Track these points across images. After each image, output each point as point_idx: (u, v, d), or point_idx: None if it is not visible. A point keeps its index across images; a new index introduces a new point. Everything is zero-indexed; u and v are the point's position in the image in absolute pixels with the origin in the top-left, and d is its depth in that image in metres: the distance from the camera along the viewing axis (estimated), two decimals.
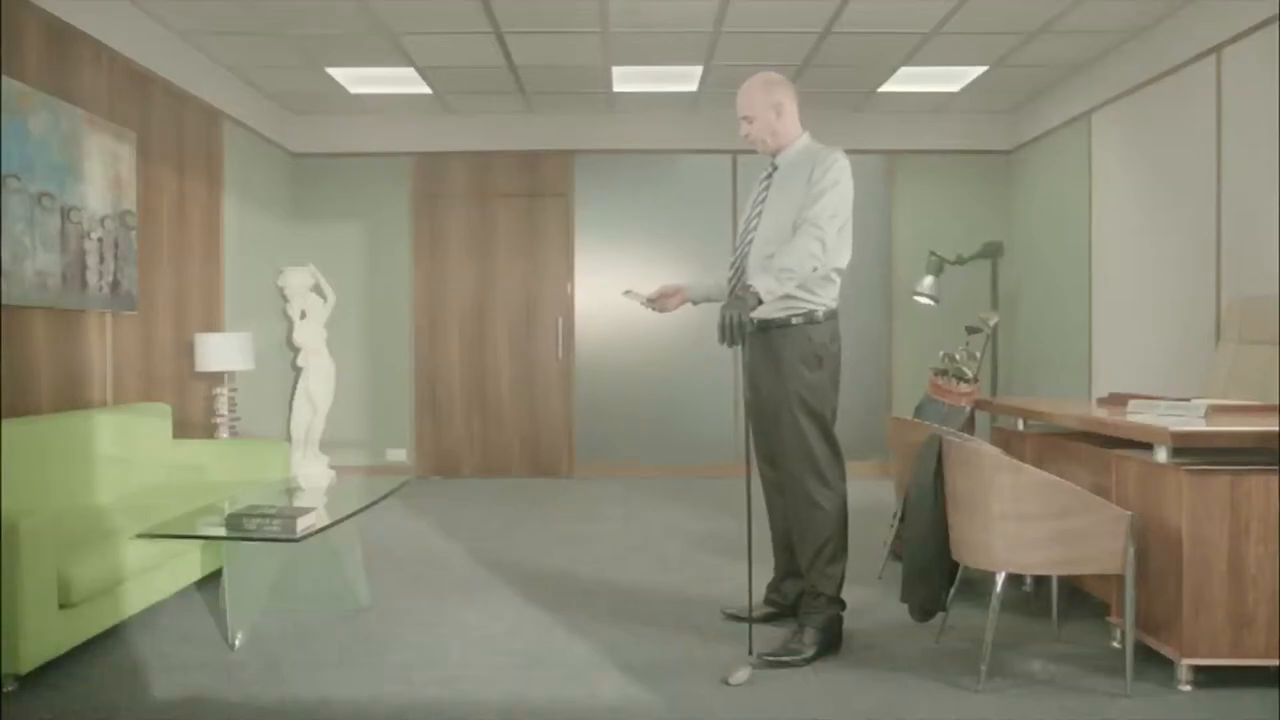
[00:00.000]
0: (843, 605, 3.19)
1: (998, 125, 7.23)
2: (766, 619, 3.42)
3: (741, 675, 2.89)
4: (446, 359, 7.32)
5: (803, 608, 3.19)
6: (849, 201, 3.11)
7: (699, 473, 7.15)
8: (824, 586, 3.13)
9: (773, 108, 3.24)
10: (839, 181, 3.07)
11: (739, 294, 2.94)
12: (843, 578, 3.18)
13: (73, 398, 4.30)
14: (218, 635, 3.36)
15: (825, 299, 3.13)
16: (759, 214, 3.26)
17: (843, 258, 3.13)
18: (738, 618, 3.42)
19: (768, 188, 3.28)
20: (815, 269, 3.00)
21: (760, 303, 2.91)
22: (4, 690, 2.81)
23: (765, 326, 3.11)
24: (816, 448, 3.11)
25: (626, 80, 6.37)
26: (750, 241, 3.24)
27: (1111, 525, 2.79)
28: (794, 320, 3.10)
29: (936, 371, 4.64)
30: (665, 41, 5.59)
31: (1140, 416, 3.10)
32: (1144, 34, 5.30)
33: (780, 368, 3.12)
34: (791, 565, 3.38)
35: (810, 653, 3.04)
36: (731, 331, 2.84)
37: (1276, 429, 2.72)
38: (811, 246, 2.98)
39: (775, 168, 3.29)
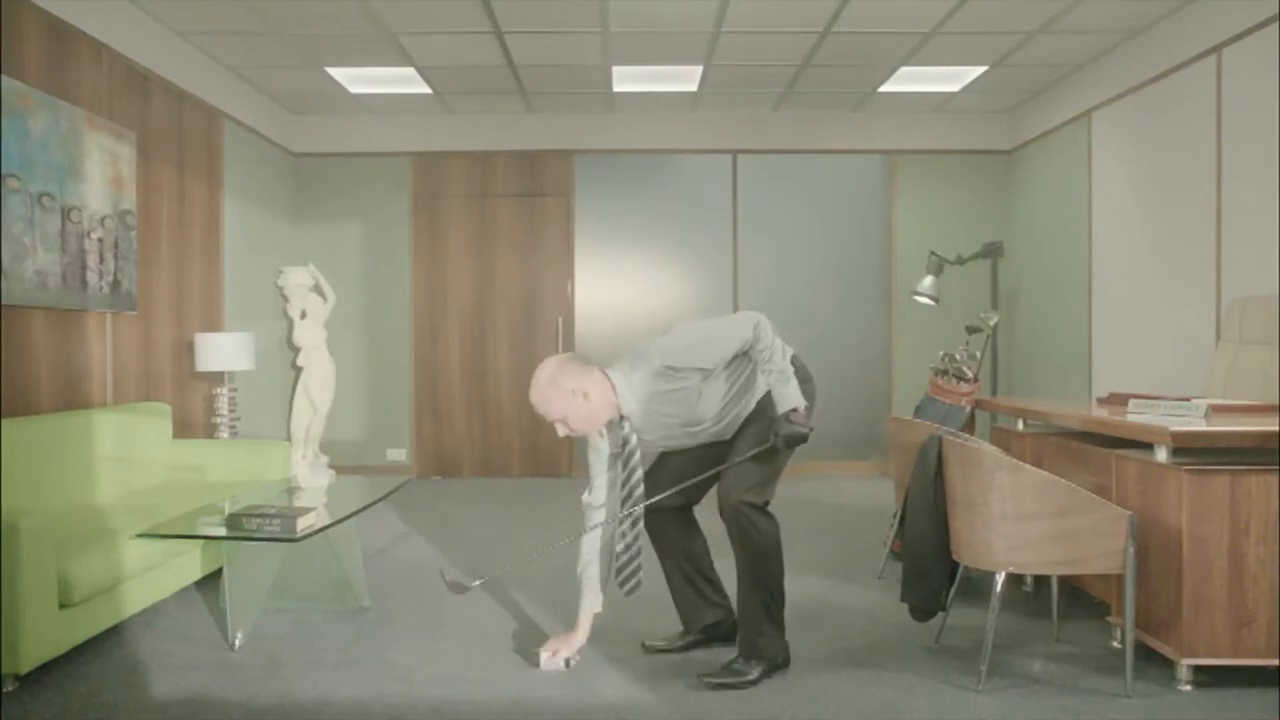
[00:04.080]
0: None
1: (998, 125, 7.23)
2: (688, 648, 3.24)
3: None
4: (446, 359, 7.32)
5: (745, 638, 2.95)
6: (687, 329, 2.96)
7: None
8: (768, 628, 2.94)
9: (577, 395, 2.88)
10: (678, 347, 2.88)
11: (792, 420, 2.85)
12: (783, 606, 3.01)
13: (73, 398, 4.30)
14: (218, 635, 3.36)
15: (755, 391, 3.00)
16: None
17: (745, 319, 2.89)
18: (659, 650, 3.24)
19: (635, 432, 2.98)
20: (765, 344, 2.86)
21: (806, 405, 2.90)
22: (4, 690, 2.81)
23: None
24: (759, 468, 2.93)
25: (626, 80, 6.37)
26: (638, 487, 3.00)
27: (1111, 525, 2.80)
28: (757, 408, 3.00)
29: (936, 371, 4.64)
30: (665, 41, 5.59)
31: (1140, 416, 3.09)
32: (1144, 34, 5.31)
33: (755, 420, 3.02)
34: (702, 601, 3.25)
35: (755, 674, 2.88)
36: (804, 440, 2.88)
37: (1276, 429, 2.72)
38: (758, 354, 2.88)
39: (623, 422, 2.97)
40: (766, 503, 2.96)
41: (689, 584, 3.26)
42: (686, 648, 3.23)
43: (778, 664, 2.97)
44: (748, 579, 2.97)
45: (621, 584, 3.04)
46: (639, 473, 2.96)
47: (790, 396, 2.88)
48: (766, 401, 2.98)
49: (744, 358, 2.96)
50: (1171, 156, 5.06)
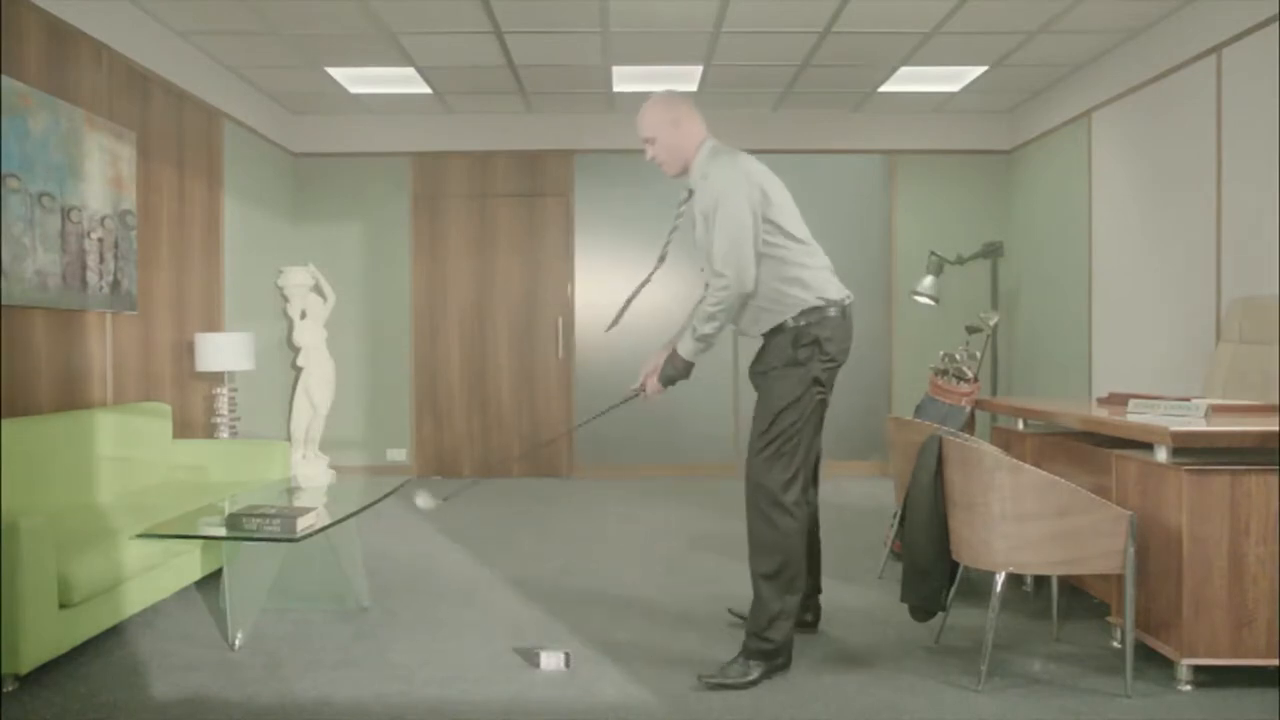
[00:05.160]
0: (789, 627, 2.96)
1: (998, 125, 7.23)
2: None
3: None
4: (446, 359, 7.32)
5: (747, 636, 2.94)
6: (738, 208, 2.91)
7: (699, 473, 7.15)
8: (770, 629, 2.90)
9: (671, 122, 3.08)
10: (719, 202, 2.92)
11: (670, 362, 3.10)
12: (794, 607, 2.95)
13: (73, 398, 4.30)
14: (218, 635, 3.36)
15: (791, 304, 2.95)
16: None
17: (749, 275, 2.91)
18: (743, 617, 3.38)
19: (681, 216, 3.19)
20: (721, 304, 2.92)
21: (689, 363, 3.06)
22: (4, 690, 2.81)
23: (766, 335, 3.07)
24: (775, 457, 2.93)
25: (626, 80, 6.37)
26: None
27: (1111, 525, 2.80)
28: (775, 329, 3.00)
29: (936, 371, 4.64)
30: (665, 41, 5.59)
31: (1140, 416, 3.10)
32: (1144, 34, 5.31)
33: (765, 372, 3.03)
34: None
35: (755, 674, 2.87)
36: (665, 384, 3.14)
37: (1276, 429, 2.72)
38: (711, 296, 2.95)
39: (690, 192, 3.13)
40: (789, 494, 2.89)
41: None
42: None
43: (779, 665, 2.96)
44: (756, 571, 2.95)
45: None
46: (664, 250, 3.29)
47: (683, 347, 3.05)
48: (802, 332, 2.92)
49: (771, 244, 2.96)
50: (1171, 156, 5.06)
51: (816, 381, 2.94)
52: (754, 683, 2.87)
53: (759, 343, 3.11)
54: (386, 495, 3.80)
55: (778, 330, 2.99)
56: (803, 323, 2.94)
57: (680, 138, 3.09)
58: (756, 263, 2.93)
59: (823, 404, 2.99)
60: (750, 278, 2.92)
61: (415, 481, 3.33)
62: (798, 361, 2.93)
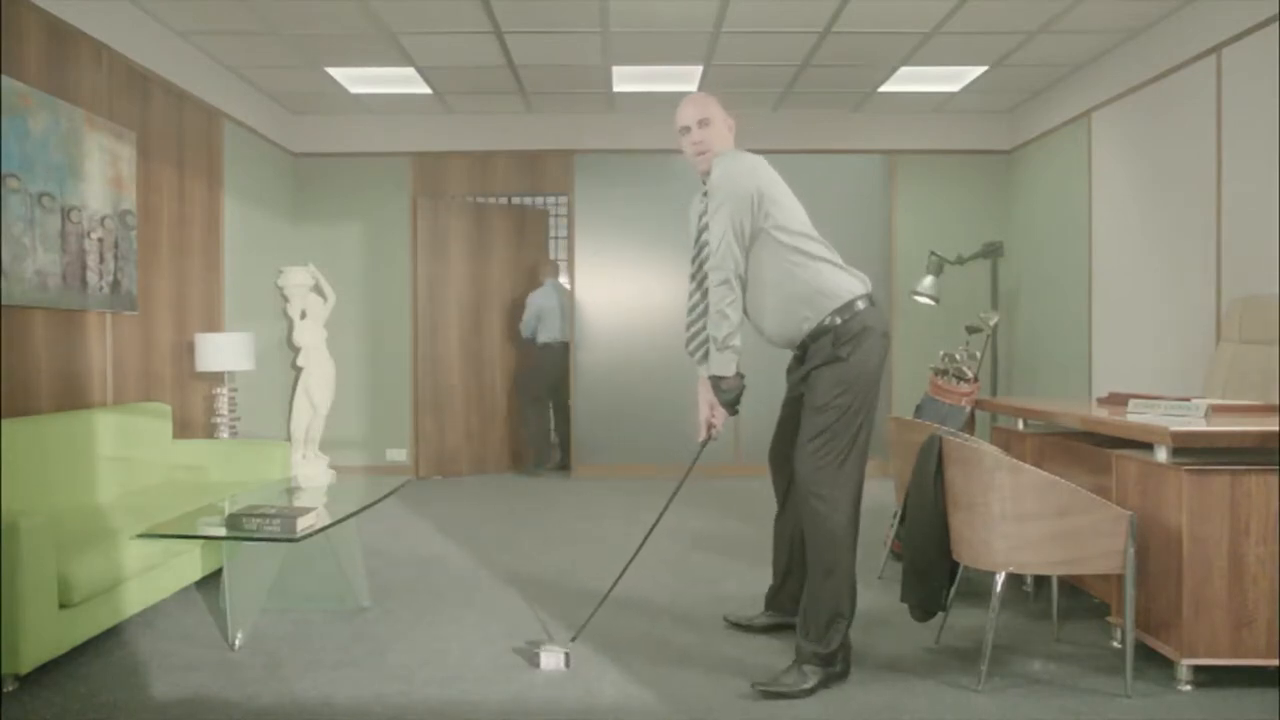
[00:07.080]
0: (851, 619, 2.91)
1: (998, 125, 7.23)
2: (767, 629, 3.35)
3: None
4: (446, 359, 7.32)
5: (802, 641, 2.87)
6: (730, 209, 2.91)
7: (699, 472, 7.13)
8: (828, 632, 2.84)
9: (724, 120, 3.10)
10: (721, 205, 2.92)
11: (717, 390, 3.03)
12: (851, 609, 2.90)
13: (73, 398, 4.30)
14: (218, 635, 3.36)
15: (820, 306, 2.92)
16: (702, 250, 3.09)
17: (741, 266, 2.96)
18: (739, 626, 3.39)
19: (704, 213, 3.06)
20: (726, 299, 2.91)
21: (732, 375, 2.99)
22: (4, 690, 2.81)
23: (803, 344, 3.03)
24: (821, 455, 2.89)
25: (626, 80, 6.37)
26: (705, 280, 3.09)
27: (1111, 525, 2.80)
28: (812, 334, 2.95)
29: (936, 371, 4.64)
30: (665, 41, 5.59)
31: (1140, 416, 3.10)
32: (1144, 34, 5.31)
33: (806, 374, 2.97)
34: (790, 563, 3.31)
35: (811, 683, 2.79)
36: (730, 409, 3.07)
37: (1276, 429, 2.72)
38: (713, 295, 2.93)
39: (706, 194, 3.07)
40: (837, 492, 2.89)
41: (785, 541, 3.30)
42: (764, 628, 3.32)
43: (836, 672, 2.86)
44: (813, 570, 2.89)
45: (691, 353, 3.16)
46: (703, 254, 3.06)
47: (715, 366, 2.98)
48: (841, 330, 2.88)
49: (770, 247, 2.95)
50: (1171, 156, 5.06)
51: (860, 374, 2.87)
52: (810, 691, 2.77)
53: (755, 345, 3.10)
54: (386, 495, 3.79)
55: (816, 334, 2.92)
56: (838, 320, 2.89)
57: (729, 137, 3.12)
58: (745, 255, 2.96)
59: (872, 399, 2.91)
60: (740, 267, 2.95)
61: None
62: (838, 358, 2.87)
